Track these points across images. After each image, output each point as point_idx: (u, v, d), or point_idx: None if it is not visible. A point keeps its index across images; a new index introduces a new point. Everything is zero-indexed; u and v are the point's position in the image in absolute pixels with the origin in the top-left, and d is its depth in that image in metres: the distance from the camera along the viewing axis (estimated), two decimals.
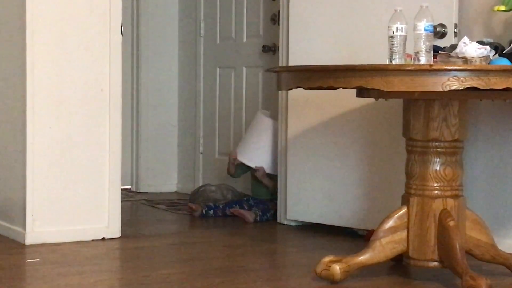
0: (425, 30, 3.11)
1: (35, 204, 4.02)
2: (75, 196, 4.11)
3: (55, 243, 4.02)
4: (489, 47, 3.23)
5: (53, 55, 4.05)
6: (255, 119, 5.09)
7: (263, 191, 5.03)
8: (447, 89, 2.90)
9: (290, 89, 3.31)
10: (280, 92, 4.75)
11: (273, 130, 4.94)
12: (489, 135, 3.95)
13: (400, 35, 3.16)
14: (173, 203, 5.58)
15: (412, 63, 3.14)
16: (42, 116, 4.03)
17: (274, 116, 4.97)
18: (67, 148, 4.09)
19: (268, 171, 4.97)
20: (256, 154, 5.01)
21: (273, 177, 4.93)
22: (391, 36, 3.17)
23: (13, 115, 4.15)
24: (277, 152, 4.88)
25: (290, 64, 4.55)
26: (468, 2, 4.00)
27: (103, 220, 4.19)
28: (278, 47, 4.97)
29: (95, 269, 3.58)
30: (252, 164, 5.02)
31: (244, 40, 5.60)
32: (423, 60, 3.09)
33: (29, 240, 4.01)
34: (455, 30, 3.94)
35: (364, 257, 3.32)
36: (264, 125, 5.01)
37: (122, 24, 4.22)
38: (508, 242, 3.78)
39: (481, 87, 2.90)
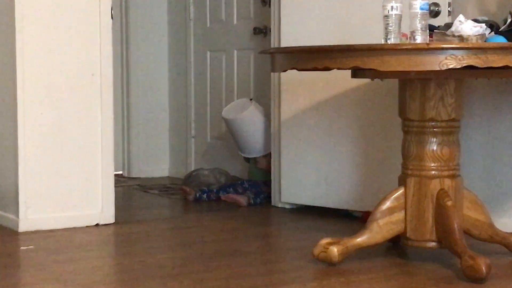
0: (421, 8, 3.07)
1: (28, 191, 3.99)
2: (68, 182, 4.08)
3: (48, 230, 3.98)
4: (485, 25, 3.20)
5: (42, 40, 4.00)
6: (237, 120, 5.07)
7: (260, 172, 5.02)
8: (445, 67, 2.87)
9: (284, 71, 3.28)
10: (272, 74, 4.71)
11: (255, 119, 4.99)
12: (484, 114, 3.93)
13: (395, 14, 3.12)
14: (166, 187, 5.55)
15: (408, 42, 3.10)
16: (32, 102, 3.99)
17: (243, 108, 5.05)
18: (59, 134, 4.05)
19: (263, 153, 4.98)
20: (252, 146, 5.03)
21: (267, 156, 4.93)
22: (386, 16, 3.14)
23: (4, 102, 4.10)
24: (267, 135, 4.91)
25: (282, 46, 4.51)
26: None
27: (97, 206, 4.15)
28: (269, 29, 4.93)
29: (90, 256, 3.55)
30: (251, 155, 5.06)
31: (235, 22, 5.55)
32: (419, 39, 3.06)
33: (23, 227, 3.97)
34: (449, 8, 3.91)
35: (361, 239, 3.30)
36: (246, 119, 5.01)
37: (112, 8, 4.16)
38: (504, 221, 3.78)
39: (479, 66, 2.88)
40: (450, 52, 2.87)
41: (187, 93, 5.96)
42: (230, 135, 5.33)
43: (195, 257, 3.49)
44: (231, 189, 4.97)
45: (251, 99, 5.13)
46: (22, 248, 3.67)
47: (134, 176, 6.11)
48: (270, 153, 4.86)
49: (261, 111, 5.01)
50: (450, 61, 2.87)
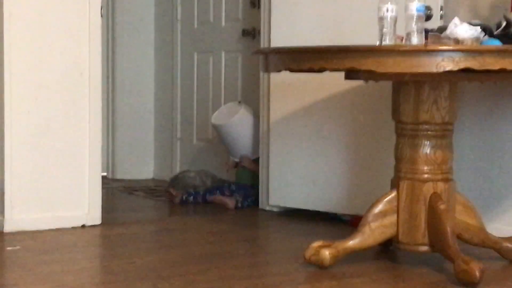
0: (417, 10, 3.05)
1: (14, 191, 3.93)
2: (54, 183, 4.02)
3: (34, 231, 3.92)
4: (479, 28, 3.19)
5: (30, 38, 3.95)
6: (228, 125, 5.02)
7: (247, 175, 4.97)
8: (442, 70, 2.86)
9: (279, 71, 3.24)
10: (261, 76, 4.68)
11: (246, 122, 4.93)
12: (476, 118, 3.92)
13: (390, 16, 3.10)
14: (151, 189, 5.50)
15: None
16: (20, 100, 3.93)
17: (231, 113, 4.98)
18: (46, 133, 4.00)
19: (254, 156, 4.95)
20: (243, 149, 4.99)
21: (256, 161, 4.89)
22: (381, 17, 3.11)
23: None
24: (255, 138, 4.86)
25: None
26: None
27: (83, 206, 4.10)
28: (258, 31, 4.90)
29: (77, 257, 3.50)
30: (237, 159, 5.03)
31: (223, 24, 5.51)
32: (415, 41, 3.03)
33: (8, 227, 3.91)
34: (441, 12, 3.91)
35: (353, 242, 3.28)
36: (237, 123, 4.97)
37: (101, 7, 4.12)
38: (495, 226, 3.76)
39: (476, 68, 2.86)
40: (447, 54, 2.86)
41: (173, 94, 5.92)
42: (216, 138, 5.30)
43: (184, 259, 3.45)
44: (218, 192, 4.93)
45: (239, 102, 5.09)
46: (8, 248, 3.61)
47: (118, 178, 6.05)
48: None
49: (251, 112, 4.97)
50: (447, 63, 2.85)
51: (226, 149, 5.15)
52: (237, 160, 5.05)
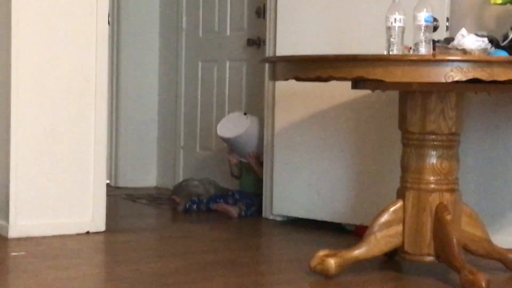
0: (425, 21, 3.07)
1: (19, 197, 3.93)
2: (59, 189, 4.02)
3: (39, 237, 3.92)
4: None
5: (38, 44, 3.96)
6: (236, 139, 5.00)
7: (252, 182, 4.97)
8: (450, 80, 2.86)
9: (286, 80, 3.25)
10: (266, 85, 4.69)
11: (253, 134, 4.93)
12: (480, 129, 3.93)
13: (398, 26, 3.11)
14: (154, 198, 5.50)
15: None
16: (26, 106, 3.93)
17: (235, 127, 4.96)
18: (52, 140, 4.00)
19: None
20: (245, 149, 4.97)
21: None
22: (389, 27, 3.12)
23: None
24: (261, 143, 4.86)
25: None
26: None
27: (88, 213, 4.10)
28: (263, 40, 4.91)
29: (83, 263, 3.50)
30: (244, 159, 5.01)
31: (228, 33, 5.53)
32: (423, 51, 3.04)
33: (12, 233, 3.91)
34: (447, 23, 3.92)
35: (359, 251, 3.27)
36: (244, 137, 4.96)
37: (109, 14, 4.13)
38: (500, 237, 3.76)
39: (484, 79, 2.87)
40: (456, 65, 2.86)
41: (177, 102, 5.92)
42: (219, 146, 5.29)
43: (188, 267, 3.44)
44: (221, 200, 4.93)
45: (245, 113, 5.06)
46: (12, 254, 3.61)
47: (121, 185, 6.04)
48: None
49: (258, 122, 4.95)
50: (456, 74, 2.86)
51: (230, 150, 5.13)
52: (244, 160, 5.03)
